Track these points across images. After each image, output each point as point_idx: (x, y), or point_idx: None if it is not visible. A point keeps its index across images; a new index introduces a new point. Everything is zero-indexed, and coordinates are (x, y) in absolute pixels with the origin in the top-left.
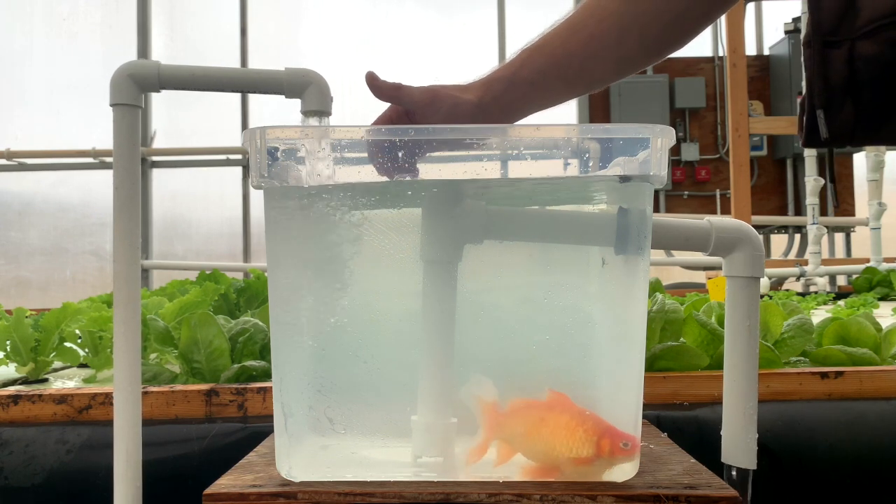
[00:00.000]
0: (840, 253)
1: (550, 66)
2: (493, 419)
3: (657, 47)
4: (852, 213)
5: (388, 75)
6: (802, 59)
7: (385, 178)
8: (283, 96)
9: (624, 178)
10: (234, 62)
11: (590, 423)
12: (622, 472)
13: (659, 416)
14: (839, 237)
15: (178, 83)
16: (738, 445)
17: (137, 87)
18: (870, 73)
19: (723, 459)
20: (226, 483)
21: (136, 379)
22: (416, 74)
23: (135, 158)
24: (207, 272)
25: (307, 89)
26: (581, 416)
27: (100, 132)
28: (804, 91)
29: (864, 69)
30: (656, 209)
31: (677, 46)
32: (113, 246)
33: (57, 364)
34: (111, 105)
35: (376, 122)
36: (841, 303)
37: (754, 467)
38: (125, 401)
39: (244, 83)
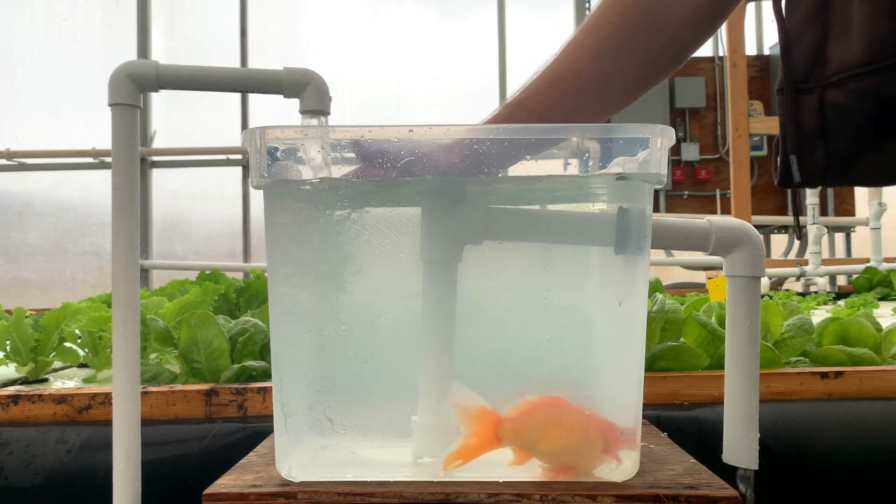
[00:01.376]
0: (840, 253)
1: (534, 122)
2: (491, 426)
3: (638, 90)
4: (852, 213)
5: (388, 76)
6: (776, 105)
7: (384, 178)
8: (282, 96)
9: (622, 176)
10: (234, 62)
11: (593, 418)
12: (622, 471)
13: (659, 416)
14: (839, 237)
15: (177, 83)
16: (740, 445)
17: (136, 86)
18: (838, 121)
19: (724, 459)
20: (226, 483)
21: (135, 379)
22: (416, 75)
23: (133, 158)
24: (207, 272)
25: (306, 89)
26: (582, 413)
27: (100, 132)
28: (779, 135)
29: (833, 116)
30: (656, 209)
31: (659, 80)
32: (112, 246)
33: (57, 364)
34: (109, 105)
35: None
36: (841, 303)
37: (756, 467)
38: (124, 401)
39: (243, 83)
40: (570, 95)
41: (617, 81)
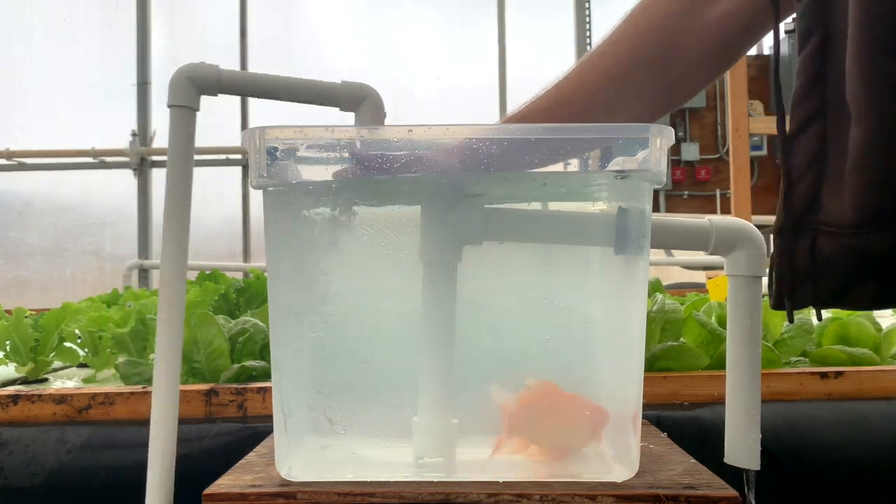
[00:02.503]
0: None
1: None
2: (511, 417)
3: (646, 118)
4: None
5: (388, 76)
6: (772, 245)
7: (383, 179)
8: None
9: (621, 175)
10: (234, 62)
11: (583, 403)
12: (622, 471)
13: (659, 416)
14: None
15: (236, 88)
16: (741, 446)
17: (196, 89)
18: (825, 268)
19: (725, 460)
20: (225, 483)
21: (175, 379)
22: (416, 75)
23: (189, 160)
24: (207, 272)
25: (362, 104)
26: (573, 398)
27: (100, 132)
28: (774, 269)
29: (822, 263)
30: (656, 209)
31: (668, 112)
32: (162, 248)
33: (56, 364)
34: (169, 106)
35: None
36: None
37: (757, 468)
38: (164, 402)
39: (300, 93)
40: (577, 117)
41: (625, 109)
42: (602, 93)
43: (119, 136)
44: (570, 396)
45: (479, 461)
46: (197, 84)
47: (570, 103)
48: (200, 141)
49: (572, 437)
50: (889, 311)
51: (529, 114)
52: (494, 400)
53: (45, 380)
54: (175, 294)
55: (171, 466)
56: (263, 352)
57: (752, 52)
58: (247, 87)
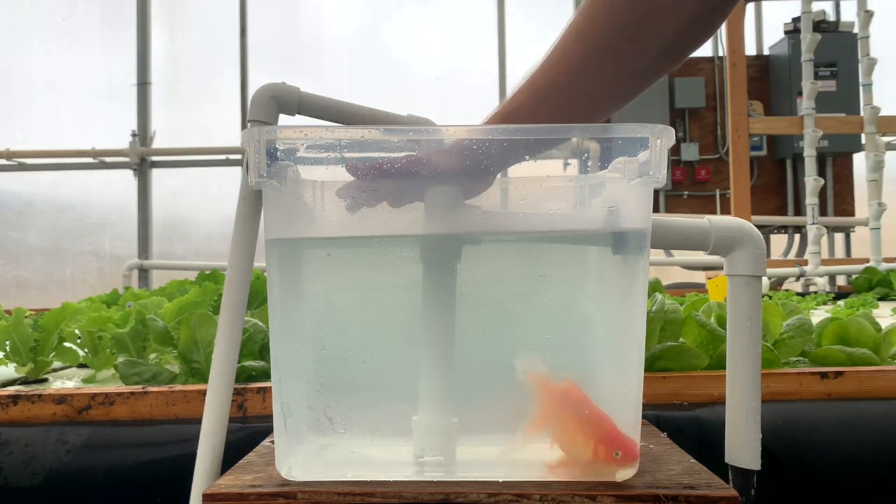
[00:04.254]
0: (840, 253)
1: None
2: (549, 393)
3: (631, 96)
4: (852, 213)
5: (388, 76)
6: None
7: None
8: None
9: (618, 235)
10: (233, 62)
11: (595, 425)
12: (622, 471)
13: (659, 416)
14: (839, 237)
15: (315, 111)
16: (742, 446)
17: (277, 107)
18: None
19: (726, 460)
20: (225, 483)
21: (230, 383)
22: (416, 75)
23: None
24: (207, 272)
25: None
26: (591, 417)
27: (99, 132)
28: None
29: None
30: (656, 209)
31: (654, 82)
32: (230, 252)
33: (56, 364)
34: (249, 120)
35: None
36: (840, 303)
37: (758, 468)
38: (218, 401)
39: (375, 123)
40: (561, 108)
41: (606, 93)
42: (580, 83)
43: (119, 136)
44: (592, 413)
45: (479, 460)
46: (279, 103)
47: (549, 97)
48: (201, 141)
49: (570, 453)
50: (888, 311)
51: (513, 111)
52: (527, 374)
53: (45, 380)
54: (239, 300)
55: (219, 464)
56: (263, 352)
57: (752, 52)
58: (325, 111)
